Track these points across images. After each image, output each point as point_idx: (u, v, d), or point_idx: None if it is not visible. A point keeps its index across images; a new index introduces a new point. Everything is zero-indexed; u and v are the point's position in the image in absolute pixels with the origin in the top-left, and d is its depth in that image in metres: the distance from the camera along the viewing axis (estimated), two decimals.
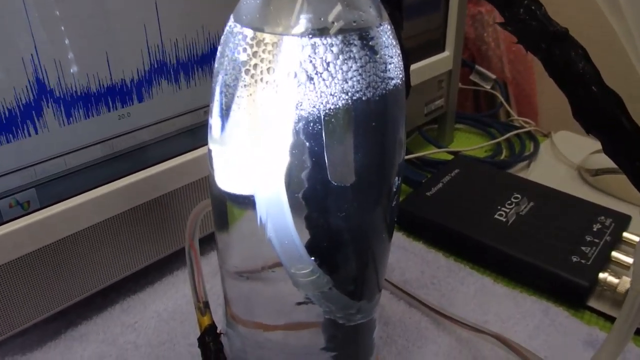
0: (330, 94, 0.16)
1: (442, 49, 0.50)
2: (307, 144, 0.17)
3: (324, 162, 0.18)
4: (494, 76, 0.65)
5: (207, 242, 0.33)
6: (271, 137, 0.17)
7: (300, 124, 0.16)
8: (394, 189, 0.20)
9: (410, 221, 0.40)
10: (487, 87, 0.66)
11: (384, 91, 0.17)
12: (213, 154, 0.20)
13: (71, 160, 0.28)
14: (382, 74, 0.17)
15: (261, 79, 0.16)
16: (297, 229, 0.18)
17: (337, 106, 0.16)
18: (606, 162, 0.47)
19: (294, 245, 0.19)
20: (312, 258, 0.19)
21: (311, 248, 0.19)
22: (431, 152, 0.51)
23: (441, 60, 0.50)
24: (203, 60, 0.31)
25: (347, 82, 0.16)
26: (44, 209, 0.27)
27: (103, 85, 0.27)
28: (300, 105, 0.16)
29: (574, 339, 0.31)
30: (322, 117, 0.16)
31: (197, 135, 0.33)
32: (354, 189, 0.18)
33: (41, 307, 0.29)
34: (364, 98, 0.17)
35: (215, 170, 0.20)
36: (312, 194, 0.18)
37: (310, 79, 0.16)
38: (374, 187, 0.19)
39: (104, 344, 0.30)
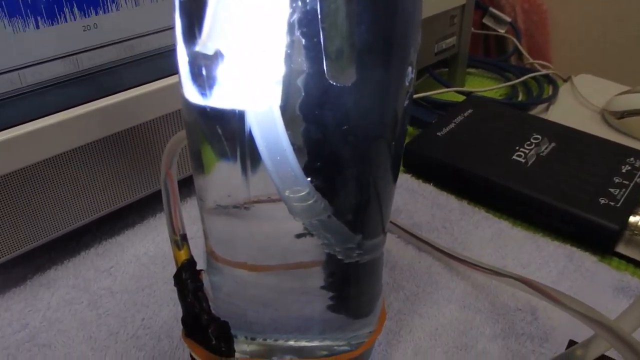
0: None
1: None
2: (299, 20, 0.13)
3: (320, 55, 0.14)
4: (509, 19, 0.60)
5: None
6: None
7: None
8: (406, 85, 0.16)
9: (420, 162, 0.37)
10: (502, 31, 0.61)
11: None
12: (179, 57, 0.16)
13: (28, 76, 0.24)
14: None
15: None
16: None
17: None
18: (633, 103, 0.43)
19: (287, 162, 0.16)
20: (308, 179, 0.16)
21: (307, 168, 0.16)
22: (441, 91, 0.46)
23: None
24: None
25: None
26: None
27: None
28: None
29: (603, 285, 0.28)
30: None
31: None
32: (355, 92, 0.15)
33: (1, 248, 0.25)
34: None
35: (183, 79, 0.16)
36: (308, 102, 0.15)
37: None
38: (380, 90, 0.16)
39: (75, 289, 0.27)
